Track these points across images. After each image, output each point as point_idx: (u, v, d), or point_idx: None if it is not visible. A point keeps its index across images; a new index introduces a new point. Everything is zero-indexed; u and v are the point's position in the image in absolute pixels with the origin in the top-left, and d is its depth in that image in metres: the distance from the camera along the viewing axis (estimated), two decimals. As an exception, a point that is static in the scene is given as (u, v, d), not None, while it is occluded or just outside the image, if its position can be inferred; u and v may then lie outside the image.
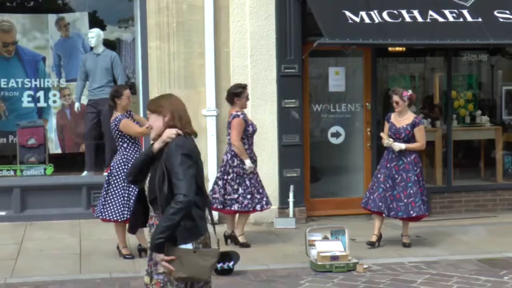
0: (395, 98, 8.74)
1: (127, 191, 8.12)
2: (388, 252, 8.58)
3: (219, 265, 7.57)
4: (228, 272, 7.61)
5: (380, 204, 8.65)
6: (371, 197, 8.77)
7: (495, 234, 9.65)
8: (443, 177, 11.17)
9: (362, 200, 8.98)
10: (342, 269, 7.73)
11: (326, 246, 7.98)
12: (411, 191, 8.56)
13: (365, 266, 7.82)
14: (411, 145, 8.64)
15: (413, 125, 8.69)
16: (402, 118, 8.75)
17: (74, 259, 8.33)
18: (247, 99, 8.90)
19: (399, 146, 8.59)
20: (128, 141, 8.22)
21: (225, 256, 7.69)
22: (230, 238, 8.89)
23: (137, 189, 4.97)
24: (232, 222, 8.89)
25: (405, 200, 8.56)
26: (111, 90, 8.58)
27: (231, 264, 7.63)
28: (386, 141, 8.70)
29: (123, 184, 8.13)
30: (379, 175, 8.79)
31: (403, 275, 7.61)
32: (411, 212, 8.54)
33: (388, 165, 8.69)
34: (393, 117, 8.85)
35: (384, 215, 8.70)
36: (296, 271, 7.79)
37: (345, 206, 10.57)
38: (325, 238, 8.20)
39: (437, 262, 8.15)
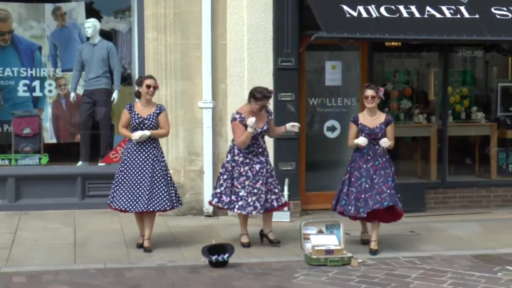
0: (370, 92, 8.28)
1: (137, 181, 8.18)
2: (382, 247, 8.58)
3: (213, 257, 7.58)
4: (222, 264, 7.61)
5: (350, 207, 8.32)
6: (347, 202, 8.41)
7: (489, 230, 9.68)
8: (438, 172, 11.19)
9: (334, 202, 8.61)
10: (336, 263, 7.74)
11: (321, 240, 7.99)
12: (392, 184, 8.26)
13: (359, 261, 7.84)
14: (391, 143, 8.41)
15: (387, 123, 8.41)
16: (373, 118, 8.41)
17: (68, 249, 8.32)
18: (262, 107, 8.42)
19: (386, 142, 8.28)
20: (133, 131, 8.20)
21: (220, 249, 7.70)
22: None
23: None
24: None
25: (388, 191, 8.18)
26: (136, 80, 8.62)
27: (225, 256, 7.63)
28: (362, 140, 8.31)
29: (131, 174, 8.18)
30: (352, 179, 8.40)
31: (397, 270, 7.63)
32: (399, 202, 8.24)
33: (365, 166, 8.36)
34: (362, 118, 8.42)
35: (359, 215, 8.33)
36: (290, 264, 7.79)
37: (340, 200, 10.61)
38: (320, 232, 8.21)
39: (431, 258, 8.16)
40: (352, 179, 8.45)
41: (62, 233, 9.07)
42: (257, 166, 8.43)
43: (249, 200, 8.36)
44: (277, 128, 8.79)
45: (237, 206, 8.38)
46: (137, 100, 8.42)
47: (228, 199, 8.44)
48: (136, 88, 8.37)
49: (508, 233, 9.46)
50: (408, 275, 7.44)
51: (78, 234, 8.99)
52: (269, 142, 10.07)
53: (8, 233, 8.99)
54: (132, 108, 8.27)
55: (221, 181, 8.52)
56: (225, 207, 8.52)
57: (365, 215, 8.28)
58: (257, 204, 8.37)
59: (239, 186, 8.39)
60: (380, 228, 8.50)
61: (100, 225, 9.38)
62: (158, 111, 8.31)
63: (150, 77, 8.47)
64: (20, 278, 7.17)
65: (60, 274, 7.30)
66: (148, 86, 8.23)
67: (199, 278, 7.27)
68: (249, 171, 8.40)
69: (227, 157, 8.58)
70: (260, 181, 8.42)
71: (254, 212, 8.39)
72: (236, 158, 8.44)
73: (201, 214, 10.14)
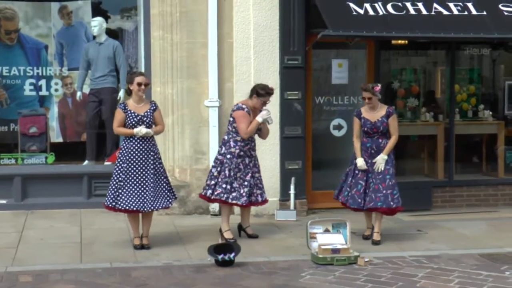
0: (367, 94, 8.58)
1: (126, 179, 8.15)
2: (389, 245, 8.57)
3: (219, 256, 7.57)
4: (229, 263, 7.60)
5: (360, 200, 8.62)
6: (350, 194, 8.71)
7: (496, 229, 9.64)
8: (445, 171, 11.15)
9: (336, 192, 8.92)
10: (343, 262, 7.72)
11: (327, 239, 7.96)
12: (390, 183, 8.52)
13: (366, 260, 7.81)
14: (389, 147, 8.58)
15: (388, 116, 8.64)
16: (375, 112, 8.65)
17: (74, 248, 8.32)
18: (264, 104, 8.63)
19: (382, 162, 8.51)
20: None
21: (226, 248, 7.69)
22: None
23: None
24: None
25: (384, 192, 8.50)
26: (126, 77, 8.57)
27: (232, 255, 7.62)
28: (360, 164, 8.65)
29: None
30: (356, 171, 8.71)
31: (404, 269, 7.60)
32: (391, 203, 8.49)
33: (370, 161, 8.62)
34: (364, 111, 8.71)
35: (362, 210, 8.70)
36: (297, 264, 7.77)
37: (347, 199, 10.58)
38: (326, 231, 8.18)
39: (438, 256, 8.13)
40: (357, 172, 8.70)
41: (68, 232, 9.07)
42: (247, 160, 8.59)
43: (242, 191, 8.50)
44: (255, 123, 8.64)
45: (231, 197, 8.49)
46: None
47: (220, 189, 8.51)
48: (127, 85, 8.29)
49: (516, 232, 9.44)
50: (415, 274, 7.40)
51: (84, 233, 8.99)
52: (275, 140, 10.11)
53: (14, 232, 9.00)
54: (127, 107, 8.18)
55: (215, 173, 8.59)
56: (218, 197, 8.54)
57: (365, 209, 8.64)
58: (247, 196, 8.52)
59: (233, 177, 8.51)
60: (385, 226, 8.48)
61: (106, 224, 9.37)
62: (154, 107, 8.30)
63: (141, 73, 8.41)
64: (27, 277, 7.16)
65: (67, 273, 7.30)
66: (139, 84, 8.15)
67: (205, 277, 7.26)
68: (241, 164, 8.54)
69: (221, 149, 8.65)
70: (250, 174, 8.57)
71: (245, 203, 8.53)
72: (233, 150, 8.54)
73: (207, 213, 10.13)
